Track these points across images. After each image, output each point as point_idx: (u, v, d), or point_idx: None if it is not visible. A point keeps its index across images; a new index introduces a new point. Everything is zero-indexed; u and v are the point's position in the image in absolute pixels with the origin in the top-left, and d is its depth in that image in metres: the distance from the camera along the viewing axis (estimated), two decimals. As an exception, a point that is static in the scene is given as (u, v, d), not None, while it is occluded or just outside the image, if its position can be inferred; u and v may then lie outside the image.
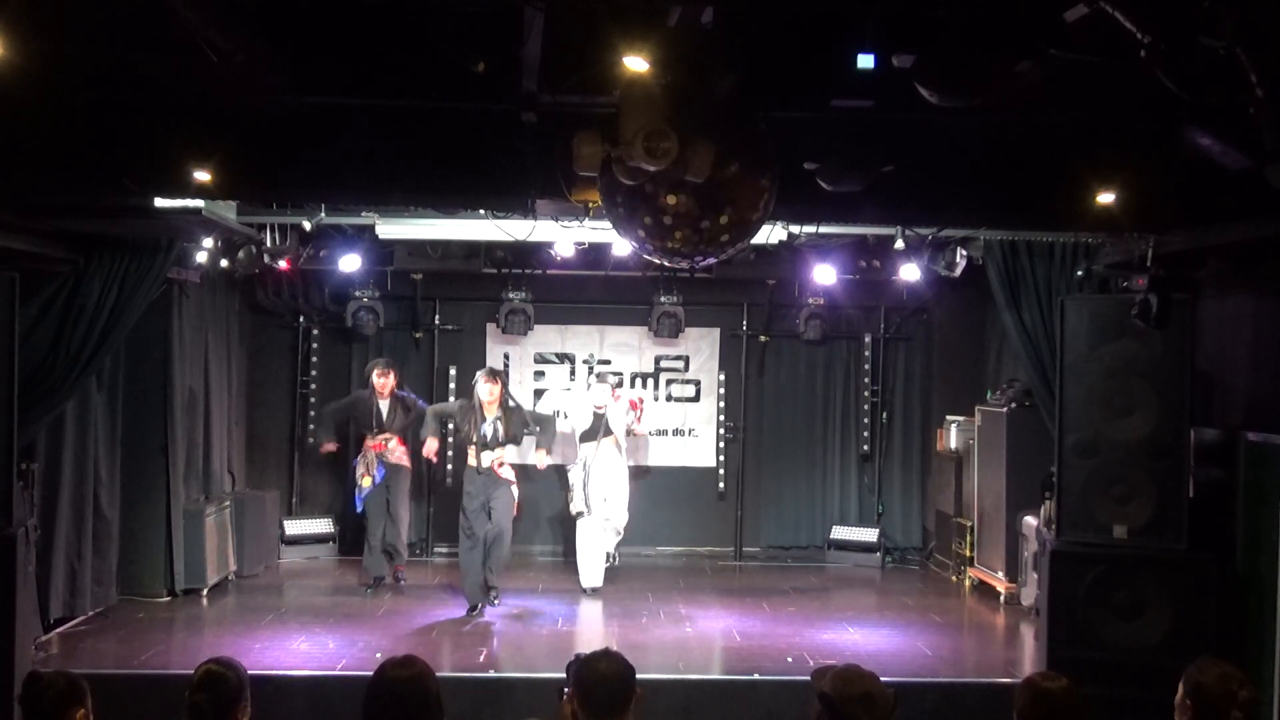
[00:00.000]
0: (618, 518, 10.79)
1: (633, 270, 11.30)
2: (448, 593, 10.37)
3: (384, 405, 10.76)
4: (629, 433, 11.01)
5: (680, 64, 4.71)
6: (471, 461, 9.76)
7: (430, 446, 10.23)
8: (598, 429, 10.70)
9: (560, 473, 11.31)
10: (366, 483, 10.70)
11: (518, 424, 9.93)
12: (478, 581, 9.60)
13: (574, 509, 10.79)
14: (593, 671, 3.66)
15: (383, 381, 10.74)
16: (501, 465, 9.76)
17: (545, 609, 9.88)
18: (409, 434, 10.83)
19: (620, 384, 11.77)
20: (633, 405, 11.12)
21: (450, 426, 11.01)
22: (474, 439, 9.71)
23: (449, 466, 12.47)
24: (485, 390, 9.77)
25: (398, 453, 10.77)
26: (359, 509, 10.83)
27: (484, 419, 9.73)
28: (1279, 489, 6.99)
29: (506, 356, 12.57)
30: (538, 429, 10.44)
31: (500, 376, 10.02)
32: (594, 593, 10.50)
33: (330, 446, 11.16)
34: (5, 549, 6.88)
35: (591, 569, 10.60)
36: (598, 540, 10.69)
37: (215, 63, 4.76)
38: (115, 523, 9.58)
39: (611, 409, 10.79)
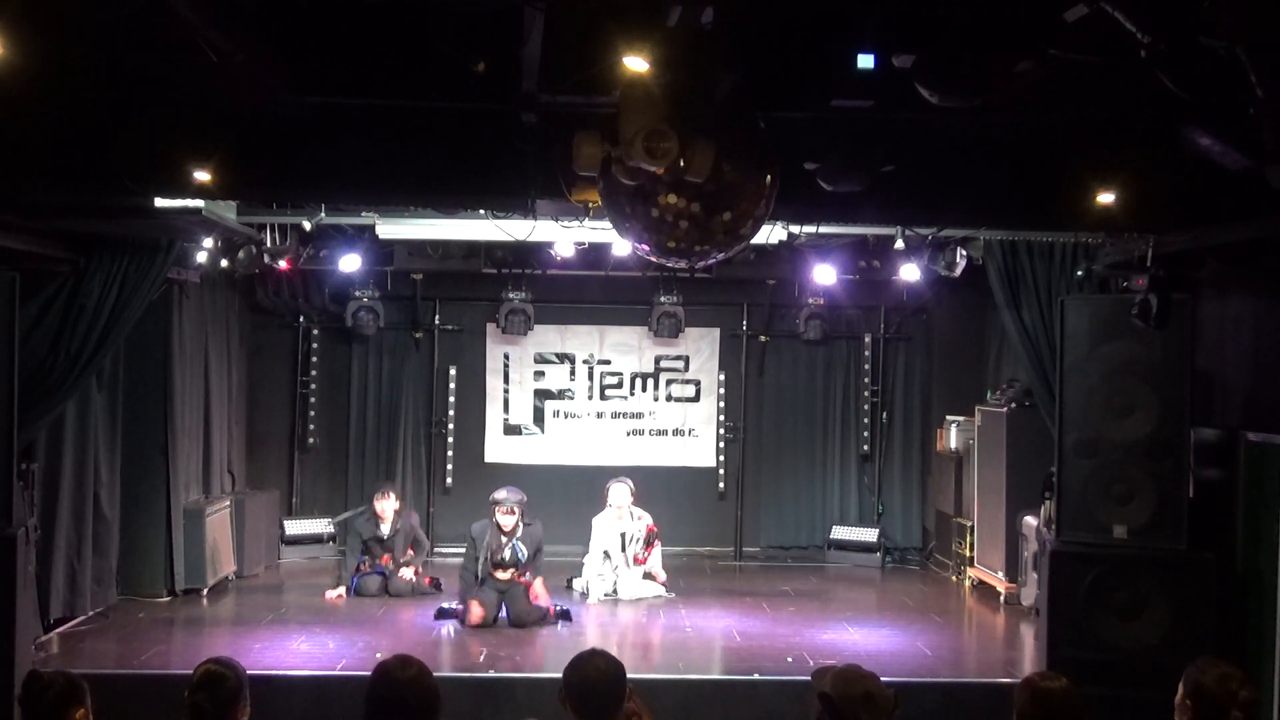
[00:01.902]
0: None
1: (633, 270, 11.30)
2: (448, 593, 10.36)
3: (386, 528, 10.52)
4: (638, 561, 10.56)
5: (680, 64, 4.71)
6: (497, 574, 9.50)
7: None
8: (624, 543, 10.48)
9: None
10: (354, 567, 10.47)
11: (534, 546, 9.59)
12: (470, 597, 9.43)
13: (577, 586, 10.50)
14: (582, 673, 3.67)
15: (383, 506, 10.55)
16: (537, 597, 9.52)
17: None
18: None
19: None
20: (650, 531, 10.67)
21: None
22: (493, 562, 9.46)
23: (449, 465, 12.51)
24: (506, 521, 9.55)
25: (403, 574, 10.45)
26: (349, 591, 10.36)
27: (505, 542, 9.52)
28: (1279, 489, 6.99)
29: (506, 356, 12.58)
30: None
31: (518, 505, 9.57)
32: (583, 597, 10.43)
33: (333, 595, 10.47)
34: (5, 549, 6.89)
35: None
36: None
37: (215, 63, 4.76)
38: (115, 523, 9.58)
39: (629, 524, 10.45)
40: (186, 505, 10.16)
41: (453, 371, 12.57)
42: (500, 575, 9.46)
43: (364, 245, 10.68)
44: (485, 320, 12.46)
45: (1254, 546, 7.25)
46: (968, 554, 11.14)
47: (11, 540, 6.92)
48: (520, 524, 9.61)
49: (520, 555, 9.51)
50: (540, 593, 9.58)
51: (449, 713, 3.59)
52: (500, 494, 9.68)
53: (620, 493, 10.52)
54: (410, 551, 10.59)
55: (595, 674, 3.67)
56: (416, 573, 10.48)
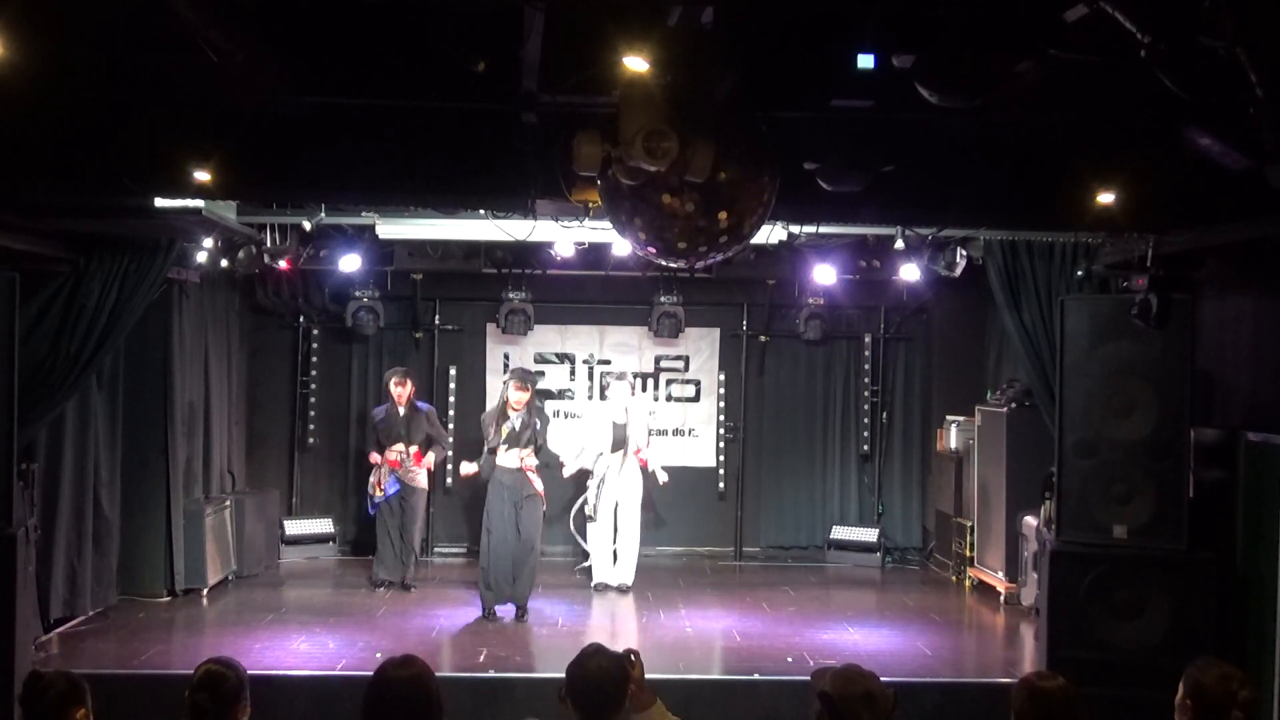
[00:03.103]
0: (630, 527, 10.77)
1: (633, 270, 11.30)
2: (448, 593, 10.38)
3: (402, 411, 10.74)
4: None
5: (680, 64, 4.71)
6: (501, 461, 9.66)
7: (466, 469, 10.13)
8: (621, 439, 10.70)
9: (578, 476, 11.24)
10: (378, 493, 10.72)
11: (541, 423, 9.89)
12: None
13: (588, 513, 10.92)
14: (583, 671, 3.67)
15: (399, 391, 10.72)
16: (532, 470, 9.71)
17: (546, 608, 9.86)
18: (425, 448, 10.82)
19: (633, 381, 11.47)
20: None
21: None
22: (504, 436, 9.65)
23: (449, 465, 12.49)
24: (515, 395, 9.69)
25: (413, 473, 10.72)
26: (370, 514, 10.89)
27: (508, 417, 9.69)
28: (1279, 489, 6.99)
29: (506, 356, 12.57)
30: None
31: (531, 383, 9.90)
32: (603, 589, 10.61)
33: (375, 458, 10.90)
34: (5, 549, 6.89)
35: (601, 566, 10.78)
36: (606, 540, 10.76)
37: (215, 63, 4.76)
38: (115, 523, 9.57)
39: (633, 412, 10.77)
40: (186, 505, 10.16)
41: (453, 371, 12.57)
42: (507, 461, 9.57)
43: (364, 245, 10.68)
44: (485, 320, 12.46)
45: (1254, 546, 7.25)
46: (968, 554, 11.14)
47: (11, 540, 6.92)
48: (532, 405, 9.79)
49: (527, 432, 9.67)
50: (538, 483, 9.76)
51: (449, 713, 3.59)
52: (512, 381, 9.84)
53: (620, 390, 10.83)
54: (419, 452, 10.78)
55: (597, 672, 3.68)
56: (417, 457, 10.68)
